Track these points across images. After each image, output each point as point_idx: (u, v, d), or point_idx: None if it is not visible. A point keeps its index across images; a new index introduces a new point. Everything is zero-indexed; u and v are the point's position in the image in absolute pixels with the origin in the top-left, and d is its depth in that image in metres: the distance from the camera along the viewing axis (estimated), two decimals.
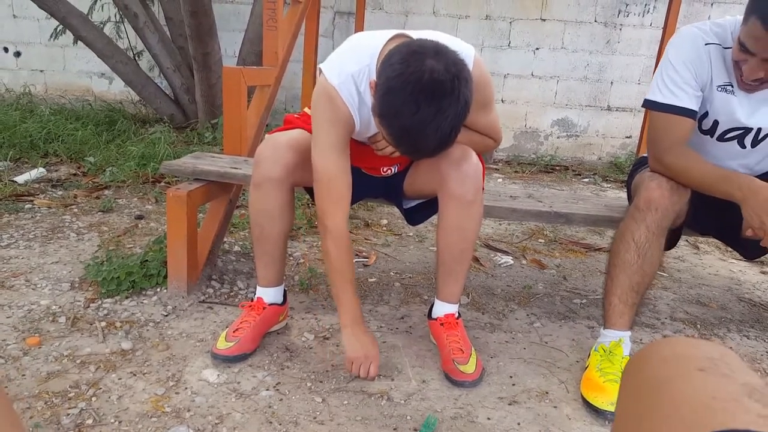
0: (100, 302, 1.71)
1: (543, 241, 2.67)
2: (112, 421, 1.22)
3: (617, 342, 1.45)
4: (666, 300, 2.09)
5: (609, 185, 4.01)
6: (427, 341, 1.64)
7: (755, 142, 1.47)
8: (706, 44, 1.42)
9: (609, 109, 4.55)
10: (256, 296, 1.58)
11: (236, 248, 2.20)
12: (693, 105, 1.43)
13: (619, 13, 4.33)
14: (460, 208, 1.41)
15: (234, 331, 1.49)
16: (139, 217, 2.50)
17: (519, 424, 1.31)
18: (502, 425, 1.30)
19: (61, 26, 4.01)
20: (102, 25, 4.22)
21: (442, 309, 1.54)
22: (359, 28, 3.77)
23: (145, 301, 1.74)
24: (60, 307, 1.68)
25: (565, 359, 1.61)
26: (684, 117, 1.43)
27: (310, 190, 1.54)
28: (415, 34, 1.28)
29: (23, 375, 1.35)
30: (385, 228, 2.65)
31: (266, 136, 1.62)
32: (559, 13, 4.36)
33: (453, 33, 1.31)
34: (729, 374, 0.41)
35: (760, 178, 1.37)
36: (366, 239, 2.47)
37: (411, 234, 2.59)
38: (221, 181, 1.80)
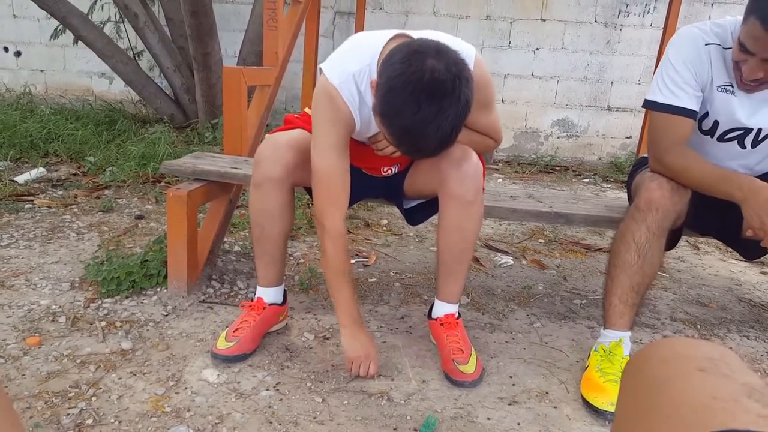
0: (100, 302, 1.72)
1: (543, 241, 2.67)
2: (112, 420, 1.22)
3: (617, 342, 1.45)
4: (666, 300, 2.09)
5: (609, 185, 4.01)
6: (427, 341, 1.64)
7: (755, 143, 1.47)
8: (706, 44, 1.42)
9: (609, 109, 4.55)
10: (256, 296, 1.58)
11: (236, 248, 2.20)
12: (693, 105, 1.43)
13: (619, 13, 4.33)
14: (461, 208, 1.41)
15: (234, 331, 1.49)
16: (140, 217, 2.50)
17: (519, 424, 1.31)
18: (502, 425, 1.30)
19: (61, 26, 4.01)
20: (102, 25, 4.22)
21: (442, 309, 1.54)
22: (359, 28, 3.77)
23: (145, 301, 1.74)
24: (60, 306, 1.68)
25: (565, 359, 1.61)
26: (684, 117, 1.43)
27: (310, 190, 1.54)
28: (416, 34, 1.28)
29: (23, 375, 1.35)
30: (385, 228, 2.65)
31: (266, 136, 1.62)
32: (560, 14, 4.36)
33: (453, 33, 1.31)
34: (729, 374, 0.41)
35: (761, 179, 1.37)
36: (366, 239, 2.47)
37: (411, 234, 2.59)
38: (221, 181, 1.80)
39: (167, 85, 4.36)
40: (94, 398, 1.28)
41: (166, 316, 1.67)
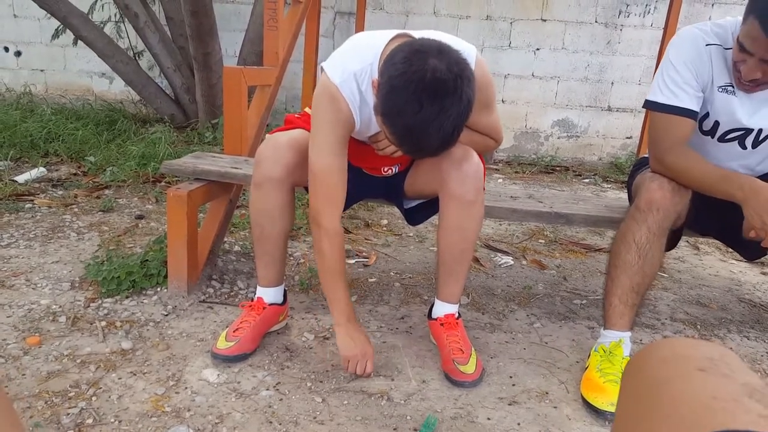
0: (100, 302, 1.72)
1: (543, 241, 2.67)
2: (112, 420, 1.22)
3: (617, 342, 1.45)
4: (666, 301, 2.09)
5: (609, 186, 4.01)
6: (427, 341, 1.64)
7: (756, 143, 1.47)
8: (707, 45, 1.42)
9: (609, 109, 4.55)
10: (256, 296, 1.58)
11: (236, 248, 2.20)
12: (694, 105, 1.43)
13: (619, 13, 4.33)
14: (461, 208, 1.41)
15: (234, 331, 1.49)
16: (140, 217, 2.50)
17: (519, 424, 1.31)
18: (502, 425, 1.30)
19: (61, 26, 4.01)
20: (102, 25, 4.22)
21: (442, 309, 1.54)
22: (360, 28, 3.77)
23: (145, 301, 1.74)
24: (60, 306, 1.68)
25: (565, 359, 1.61)
26: (685, 117, 1.43)
27: None
28: (417, 34, 1.28)
29: (23, 374, 1.35)
30: (385, 228, 2.65)
31: (267, 136, 1.62)
32: (560, 14, 4.36)
33: (453, 33, 1.31)
34: (729, 374, 0.41)
35: (761, 179, 1.37)
36: (366, 239, 2.47)
37: (411, 234, 2.59)
38: (222, 181, 1.80)
39: (167, 85, 4.36)
40: (94, 398, 1.28)
41: (167, 315, 1.67)
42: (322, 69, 1.33)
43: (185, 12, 3.45)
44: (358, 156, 1.48)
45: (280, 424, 1.25)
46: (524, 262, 2.37)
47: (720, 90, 1.43)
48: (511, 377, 1.50)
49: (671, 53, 1.46)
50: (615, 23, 4.35)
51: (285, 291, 1.63)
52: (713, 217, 1.56)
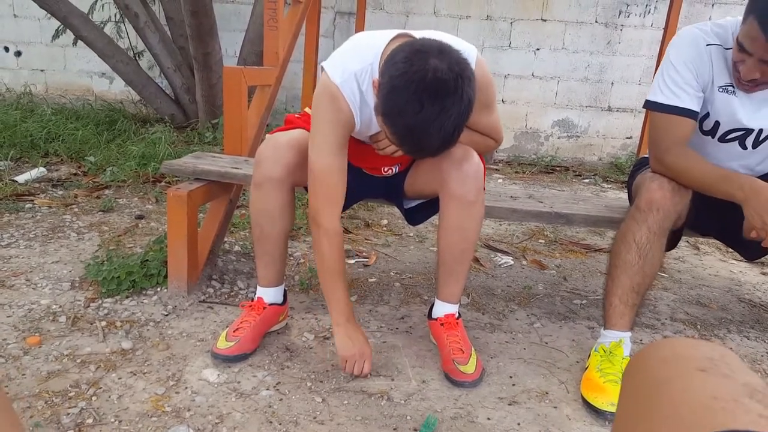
0: (100, 302, 1.72)
1: (543, 241, 2.67)
2: (112, 420, 1.22)
3: (617, 342, 1.45)
4: (666, 301, 2.09)
5: (609, 186, 4.01)
6: (427, 341, 1.64)
7: (756, 143, 1.47)
8: (707, 45, 1.42)
9: (609, 109, 4.55)
10: (256, 296, 1.58)
11: (236, 248, 2.20)
12: (694, 105, 1.43)
13: (619, 13, 4.33)
14: (461, 208, 1.41)
15: (234, 331, 1.49)
16: (140, 217, 2.50)
17: (519, 424, 1.31)
18: (502, 425, 1.30)
19: (62, 26, 4.01)
20: (102, 25, 4.22)
21: (443, 309, 1.54)
22: (360, 28, 3.77)
23: (145, 301, 1.74)
24: (60, 306, 1.68)
25: (565, 360, 1.61)
26: (685, 117, 1.43)
27: None
28: (418, 34, 1.28)
29: (23, 374, 1.35)
30: (385, 228, 2.65)
31: (267, 136, 1.62)
32: (560, 14, 4.36)
33: (454, 33, 1.31)
34: (729, 374, 0.41)
35: (761, 179, 1.37)
36: (366, 239, 2.47)
37: (411, 234, 2.59)
38: (222, 181, 1.80)
39: (167, 85, 4.36)
40: (94, 398, 1.28)
41: (167, 315, 1.67)
42: (322, 68, 1.33)
43: (185, 12, 3.45)
44: (358, 156, 1.48)
45: (280, 424, 1.25)
46: (524, 262, 2.37)
47: (720, 90, 1.43)
48: (511, 377, 1.50)
49: (671, 53, 1.46)
50: (615, 23, 4.35)
51: (285, 291, 1.63)
52: (713, 217, 1.56)
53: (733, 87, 1.42)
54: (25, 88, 4.58)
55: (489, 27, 4.41)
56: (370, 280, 2.05)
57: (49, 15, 3.88)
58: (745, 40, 1.28)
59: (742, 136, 1.47)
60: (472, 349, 1.51)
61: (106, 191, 2.83)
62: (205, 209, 2.12)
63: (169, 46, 4.15)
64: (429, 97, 1.10)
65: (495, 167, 4.30)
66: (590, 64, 4.45)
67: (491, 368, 1.53)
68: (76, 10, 3.79)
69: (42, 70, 4.87)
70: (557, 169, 4.41)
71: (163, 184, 2.95)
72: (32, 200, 2.57)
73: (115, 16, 4.43)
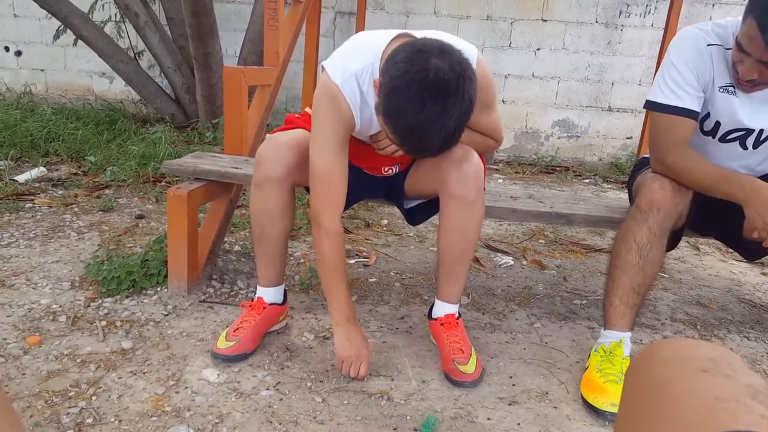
0: (100, 301, 1.72)
1: (543, 241, 2.67)
2: (112, 420, 1.22)
3: (617, 343, 1.45)
4: (666, 301, 2.09)
5: (609, 186, 4.01)
6: (427, 341, 1.64)
7: (757, 144, 1.47)
8: (708, 45, 1.42)
9: (610, 109, 4.55)
10: (256, 296, 1.58)
11: (237, 248, 2.20)
12: (695, 106, 1.43)
13: (620, 13, 4.33)
14: (461, 208, 1.41)
15: (234, 331, 1.49)
16: (140, 217, 2.50)
17: (519, 424, 1.31)
18: (502, 425, 1.30)
19: (63, 27, 4.01)
20: (103, 25, 4.22)
21: (443, 309, 1.54)
22: (360, 28, 3.77)
23: (145, 301, 1.74)
24: (60, 306, 1.68)
25: (565, 360, 1.61)
26: (686, 118, 1.43)
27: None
28: (419, 34, 1.28)
29: (23, 374, 1.35)
30: (385, 228, 2.65)
31: (267, 136, 1.62)
32: (560, 14, 4.36)
33: (454, 33, 1.31)
34: (732, 375, 0.41)
35: (762, 179, 1.37)
36: (366, 239, 2.47)
37: (411, 234, 2.59)
38: (222, 181, 1.80)
39: (168, 84, 4.36)
40: (94, 397, 1.28)
41: (167, 315, 1.67)
42: (323, 68, 1.33)
43: (185, 12, 3.45)
44: (358, 156, 1.48)
45: (280, 423, 1.25)
46: (524, 263, 2.37)
47: (721, 90, 1.43)
48: (511, 377, 1.50)
49: (672, 53, 1.46)
50: (615, 23, 4.35)
51: (285, 291, 1.63)
52: (714, 217, 1.55)
53: (734, 87, 1.42)
54: (25, 88, 4.58)
55: (489, 27, 4.41)
56: (370, 280, 2.05)
57: (49, 15, 3.88)
58: (743, 40, 1.28)
59: (743, 136, 1.46)
60: (472, 349, 1.51)
61: (107, 191, 2.83)
62: (205, 209, 2.12)
63: (169, 46, 4.15)
64: (430, 97, 1.10)
65: (495, 167, 4.30)
66: (590, 65, 4.45)
67: (491, 368, 1.53)
68: (76, 10, 3.79)
69: (42, 70, 4.87)
70: (557, 169, 4.41)
71: (163, 183, 2.95)
72: (32, 200, 2.57)
73: (116, 15, 4.43)
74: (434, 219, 1.57)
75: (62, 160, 3.27)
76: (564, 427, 1.31)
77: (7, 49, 4.85)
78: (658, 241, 1.42)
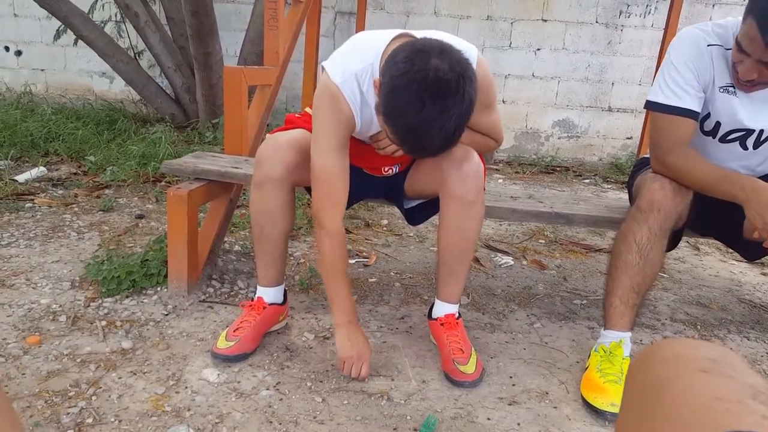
0: (100, 301, 1.71)
1: (543, 241, 2.66)
2: (112, 420, 1.22)
3: (617, 343, 1.45)
4: (666, 301, 2.09)
5: (610, 186, 4.01)
6: (427, 341, 1.63)
7: (757, 144, 1.47)
8: (708, 45, 1.42)
9: (610, 110, 4.55)
10: (256, 296, 1.58)
11: (237, 248, 2.20)
12: (695, 106, 1.43)
13: (620, 14, 4.33)
14: (461, 208, 1.41)
15: (234, 331, 1.49)
16: (140, 217, 2.50)
17: (519, 424, 1.31)
18: (502, 425, 1.30)
19: (63, 27, 4.01)
20: (103, 25, 4.22)
21: (443, 309, 1.54)
22: (360, 28, 3.77)
23: (145, 301, 1.74)
24: (60, 306, 1.68)
25: (565, 360, 1.61)
26: (686, 118, 1.43)
27: (310, 190, 1.54)
28: (419, 34, 1.28)
29: (23, 374, 1.35)
30: (385, 228, 2.65)
31: (267, 136, 1.62)
32: (561, 14, 4.36)
33: (454, 33, 1.31)
34: (733, 376, 0.41)
35: (762, 180, 1.37)
36: (366, 239, 2.47)
37: (411, 234, 2.59)
38: (222, 181, 1.80)
39: (168, 84, 4.36)
40: (94, 397, 1.28)
41: (167, 315, 1.67)
42: (323, 68, 1.33)
43: (186, 12, 3.45)
44: (358, 156, 1.48)
45: (280, 423, 1.25)
46: (524, 263, 2.37)
47: (721, 90, 1.43)
48: (511, 377, 1.50)
49: (672, 54, 1.46)
50: (615, 23, 4.35)
51: (285, 291, 1.63)
52: (714, 217, 1.55)
53: (734, 87, 1.42)
54: (25, 88, 4.58)
55: (489, 27, 4.41)
56: (370, 280, 2.05)
57: (49, 15, 3.88)
58: (743, 41, 1.28)
59: (743, 136, 1.46)
60: (472, 349, 1.51)
61: (107, 191, 2.83)
62: (205, 209, 2.12)
63: (169, 46, 4.15)
64: (430, 96, 1.10)
65: (495, 167, 4.30)
66: (591, 65, 4.45)
67: (491, 368, 1.53)
68: (76, 10, 3.79)
69: (42, 70, 4.87)
70: (557, 169, 4.41)
71: (163, 183, 2.95)
72: (32, 200, 2.57)
73: (116, 15, 4.44)
74: (434, 219, 1.57)
75: (62, 159, 3.27)
76: (564, 427, 1.31)
77: (7, 48, 4.85)
78: (658, 242, 1.42)
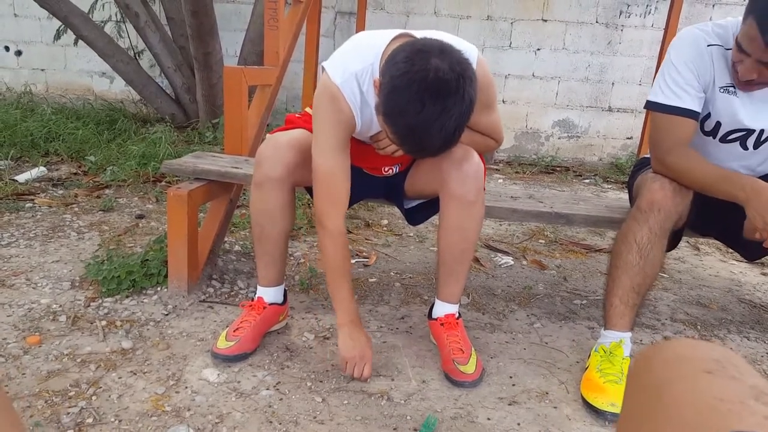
0: (100, 301, 1.71)
1: (543, 241, 2.66)
2: (112, 420, 1.22)
3: (618, 343, 1.45)
4: (666, 301, 2.09)
5: (610, 186, 4.01)
6: (428, 341, 1.63)
7: (757, 144, 1.46)
8: (708, 45, 1.42)
9: (610, 110, 4.55)
10: (256, 296, 1.58)
11: (237, 248, 2.20)
12: (695, 106, 1.43)
13: (620, 14, 4.33)
14: (461, 208, 1.41)
15: (234, 331, 1.49)
16: (140, 217, 2.50)
17: (519, 424, 1.31)
18: (502, 425, 1.30)
19: (63, 27, 4.01)
20: (103, 25, 4.22)
21: (443, 309, 1.54)
22: (360, 28, 3.77)
23: (145, 301, 1.74)
24: (60, 306, 1.68)
25: (565, 360, 1.61)
26: (686, 118, 1.43)
27: (310, 190, 1.54)
28: (419, 34, 1.28)
29: (23, 374, 1.35)
30: (385, 228, 2.65)
31: (267, 135, 1.62)
32: (561, 14, 4.36)
33: (454, 33, 1.31)
34: (737, 377, 0.41)
35: (762, 180, 1.37)
36: (366, 239, 2.47)
37: (411, 234, 2.59)
38: (222, 181, 1.80)
39: (168, 84, 4.36)
40: (94, 397, 1.28)
41: (167, 315, 1.67)
42: (323, 68, 1.33)
43: (186, 12, 3.45)
44: (358, 156, 1.48)
45: (280, 423, 1.25)
46: (524, 263, 2.37)
47: (721, 90, 1.43)
48: (511, 377, 1.50)
49: (672, 54, 1.46)
50: (616, 23, 4.35)
51: (285, 291, 1.63)
52: (714, 217, 1.55)
53: (734, 87, 1.41)
54: (25, 88, 4.58)
55: (489, 27, 4.41)
56: (370, 280, 2.05)
57: (49, 15, 3.88)
58: (743, 41, 1.28)
59: (744, 136, 1.46)
60: (472, 349, 1.51)
61: (107, 191, 2.83)
62: (205, 209, 2.12)
63: (169, 46, 4.15)
64: (430, 96, 1.10)
65: (495, 167, 4.30)
66: (591, 65, 4.45)
67: (491, 368, 1.53)
68: (76, 10, 3.79)
69: (42, 70, 4.87)
70: (557, 169, 4.41)
71: (163, 183, 2.95)
72: (32, 200, 2.57)
73: (116, 15, 4.44)
74: (434, 219, 1.57)
75: (62, 159, 3.27)
76: (564, 427, 1.31)
77: (7, 48, 4.85)
78: (658, 242, 1.42)
